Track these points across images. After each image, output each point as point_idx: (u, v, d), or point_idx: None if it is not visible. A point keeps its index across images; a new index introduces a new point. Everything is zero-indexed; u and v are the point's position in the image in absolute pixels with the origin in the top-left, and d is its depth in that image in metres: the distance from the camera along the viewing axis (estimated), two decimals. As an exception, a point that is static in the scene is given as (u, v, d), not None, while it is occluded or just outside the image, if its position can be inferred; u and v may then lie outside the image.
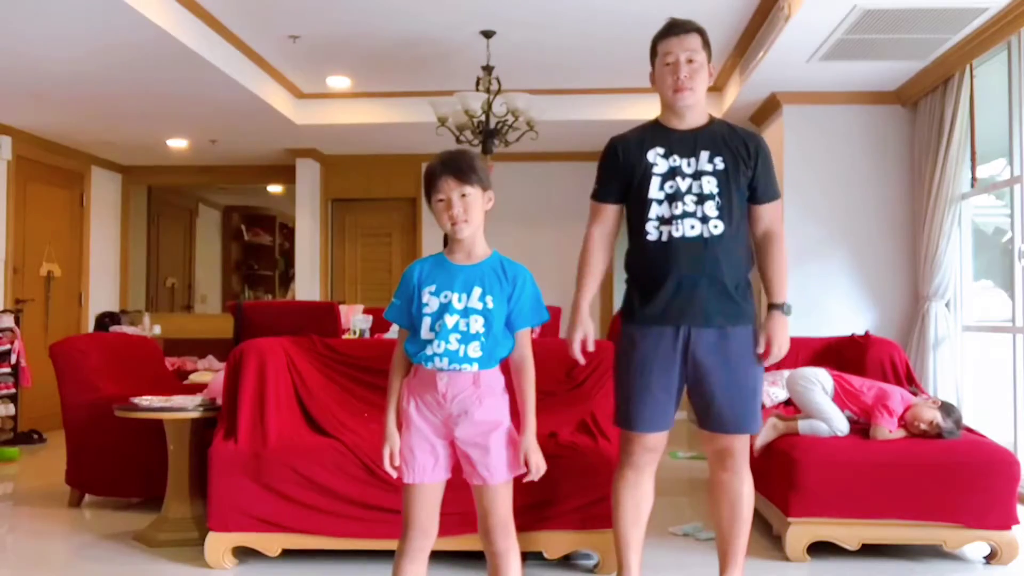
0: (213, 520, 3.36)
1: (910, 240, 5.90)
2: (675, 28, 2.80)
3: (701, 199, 2.66)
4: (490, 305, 2.35)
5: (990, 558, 3.51)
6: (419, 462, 2.37)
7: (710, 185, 2.66)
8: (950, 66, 5.18)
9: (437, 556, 3.35)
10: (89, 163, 8.24)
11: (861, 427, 3.69)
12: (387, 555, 3.38)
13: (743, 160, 2.70)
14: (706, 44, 2.79)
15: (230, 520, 3.34)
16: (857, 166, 6.02)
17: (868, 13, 4.47)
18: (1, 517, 4.45)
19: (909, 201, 5.94)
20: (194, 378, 5.70)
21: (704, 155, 2.68)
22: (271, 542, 3.35)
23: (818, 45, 5.00)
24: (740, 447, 2.80)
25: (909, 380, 4.56)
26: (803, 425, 3.68)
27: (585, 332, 2.76)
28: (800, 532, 3.49)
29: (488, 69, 5.64)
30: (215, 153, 8.25)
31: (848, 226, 6.00)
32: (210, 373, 5.87)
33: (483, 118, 5.60)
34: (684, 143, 2.71)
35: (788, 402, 4.22)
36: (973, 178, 5.28)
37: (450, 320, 2.33)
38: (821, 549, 3.53)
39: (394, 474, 2.38)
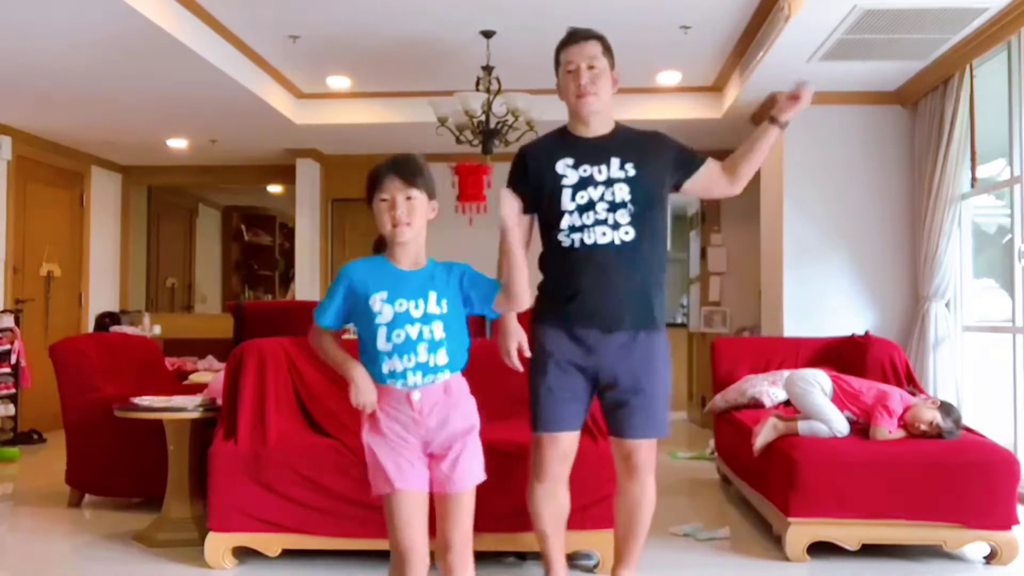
0: (213, 520, 3.36)
1: (910, 240, 5.90)
2: (575, 36, 2.83)
3: (613, 207, 2.70)
4: (446, 309, 2.28)
5: (990, 558, 3.51)
6: (408, 468, 2.25)
7: (622, 192, 2.70)
8: (950, 66, 5.18)
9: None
10: (89, 163, 8.23)
11: (861, 427, 3.68)
12: (387, 555, 3.38)
13: (655, 159, 2.75)
14: (607, 51, 2.82)
15: (230, 520, 3.34)
16: (857, 166, 6.02)
17: (868, 13, 4.47)
18: (1, 517, 4.45)
19: (909, 201, 5.94)
20: (194, 378, 5.70)
21: (615, 162, 2.72)
22: (271, 542, 3.35)
23: (818, 45, 5.00)
24: (646, 454, 2.84)
25: (909, 380, 4.57)
26: (803, 426, 3.68)
27: (519, 339, 2.77)
28: (800, 532, 3.49)
29: (488, 69, 5.64)
30: (215, 153, 8.24)
31: (848, 226, 6.00)
32: (210, 373, 5.87)
33: (483, 118, 5.60)
34: (594, 151, 2.75)
35: (788, 402, 4.21)
36: (973, 178, 5.28)
37: (412, 330, 2.24)
38: (821, 549, 3.53)
39: (369, 411, 2.25)
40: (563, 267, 2.74)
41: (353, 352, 2.33)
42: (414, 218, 2.28)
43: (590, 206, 2.70)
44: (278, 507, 3.32)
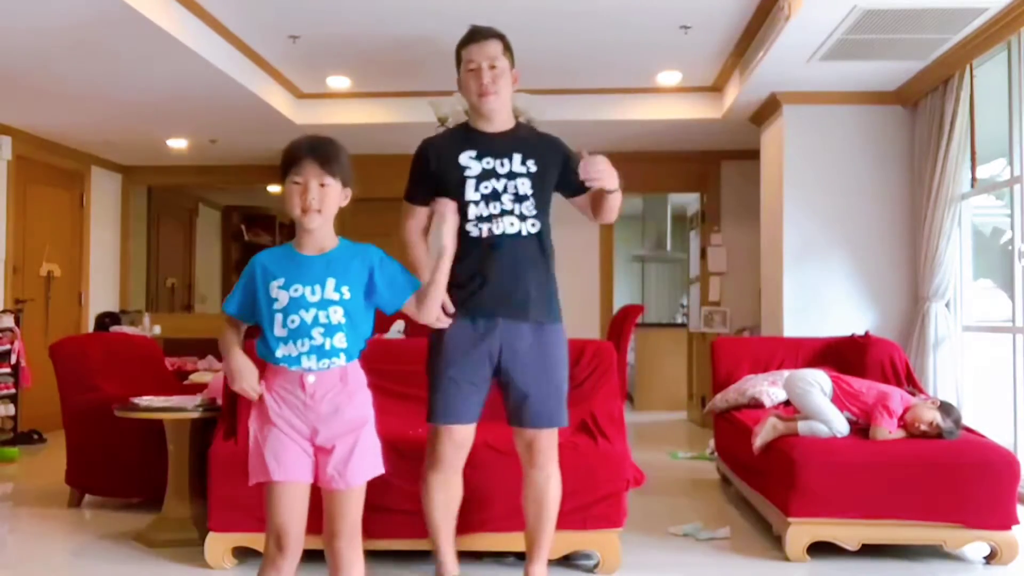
0: (213, 520, 3.36)
1: (910, 240, 5.90)
2: (476, 35, 2.90)
3: (518, 199, 2.79)
4: (347, 296, 2.24)
5: (990, 558, 3.51)
6: (290, 459, 2.22)
7: (524, 186, 2.80)
8: (950, 66, 5.18)
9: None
10: (89, 163, 8.23)
11: (861, 428, 3.69)
12: (387, 555, 3.39)
13: (552, 160, 2.85)
14: (508, 50, 2.90)
15: (230, 520, 3.34)
16: (857, 166, 6.02)
17: (868, 13, 4.47)
18: (1, 517, 4.45)
19: (909, 201, 5.94)
20: (194, 378, 5.70)
21: (517, 157, 2.82)
22: (271, 542, 3.35)
23: (818, 45, 5.00)
24: (548, 442, 2.86)
25: (909, 380, 4.57)
26: (802, 426, 3.68)
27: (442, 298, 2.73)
28: (800, 532, 3.49)
29: (488, 69, 5.64)
30: (215, 153, 8.24)
31: (848, 226, 6.00)
32: (210, 373, 5.88)
33: (483, 118, 5.59)
34: (497, 145, 2.84)
35: (788, 402, 4.21)
36: (973, 178, 5.28)
37: (307, 315, 2.21)
38: (821, 549, 3.53)
39: (253, 395, 2.23)
40: (472, 258, 2.77)
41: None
42: (325, 205, 2.25)
43: (495, 196, 2.80)
44: (278, 507, 3.31)
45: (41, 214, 7.47)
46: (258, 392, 2.25)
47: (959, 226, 5.43)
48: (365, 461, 2.26)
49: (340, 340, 2.24)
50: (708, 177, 8.12)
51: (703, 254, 8.18)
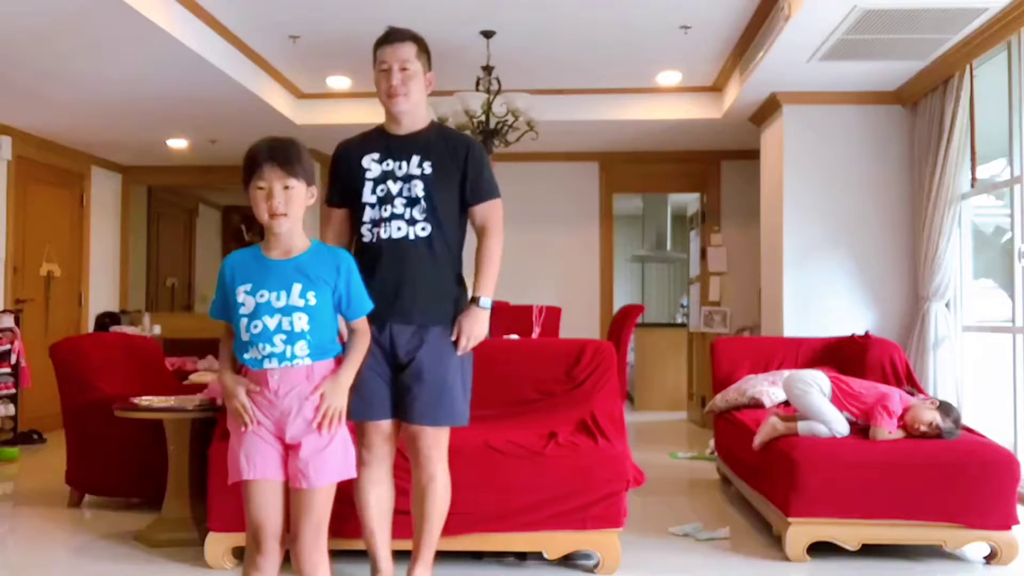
0: (213, 520, 3.36)
1: (910, 240, 5.90)
2: (390, 36, 2.93)
3: (410, 202, 2.80)
4: (312, 302, 2.24)
5: (990, 558, 3.51)
6: (260, 457, 2.23)
7: (417, 189, 2.80)
8: (950, 66, 5.18)
9: (439, 556, 3.35)
10: (89, 163, 8.24)
11: (860, 428, 3.68)
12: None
13: (452, 163, 2.84)
14: (423, 52, 2.93)
15: (230, 520, 3.33)
16: (857, 166, 6.02)
17: (868, 13, 4.47)
18: (1, 517, 4.44)
19: (909, 201, 5.94)
20: (194, 378, 5.70)
21: (415, 159, 2.83)
22: (271, 542, 3.35)
23: (818, 45, 5.00)
24: (431, 440, 2.83)
25: (909, 380, 4.57)
26: (802, 427, 3.68)
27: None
28: (800, 532, 3.49)
29: (488, 69, 5.64)
30: (215, 153, 8.24)
31: (848, 226, 6.00)
32: (210, 373, 5.87)
33: (483, 118, 5.60)
34: (399, 148, 2.85)
35: (787, 402, 4.21)
36: (973, 178, 5.28)
37: (271, 321, 2.22)
38: (821, 549, 3.53)
39: (245, 416, 2.24)
40: (366, 262, 2.79)
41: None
42: (291, 208, 2.26)
43: (387, 199, 2.80)
44: (278, 507, 3.31)
45: (41, 214, 7.47)
46: (249, 411, 2.25)
47: (959, 226, 5.43)
48: (331, 462, 2.25)
49: (301, 348, 2.24)
50: (708, 177, 8.13)
51: (703, 254, 8.18)
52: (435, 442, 2.85)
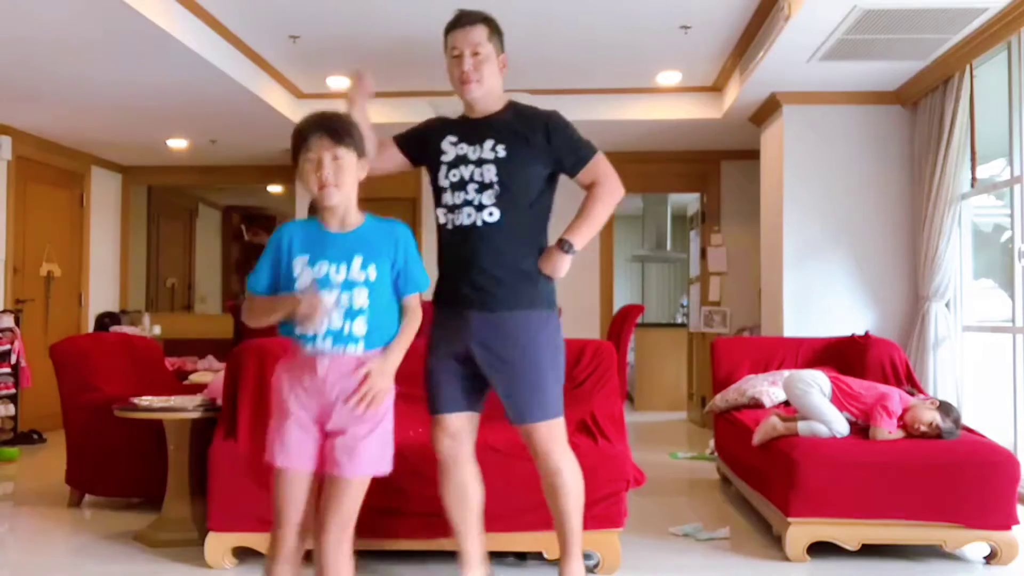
0: (213, 520, 3.36)
1: (910, 240, 5.90)
2: (460, 20, 2.81)
3: (481, 187, 2.72)
4: (372, 276, 2.18)
5: (990, 558, 3.51)
6: (294, 446, 2.18)
7: (489, 173, 2.72)
8: (950, 66, 5.18)
9: (439, 556, 3.35)
10: (89, 163, 8.24)
11: (860, 428, 3.68)
12: (387, 555, 3.39)
13: (532, 142, 2.74)
14: (494, 34, 2.82)
15: (230, 520, 3.34)
16: (857, 166, 6.02)
17: (868, 13, 4.47)
18: (1, 517, 4.44)
19: (909, 201, 5.94)
20: (194, 378, 5.70)
21: (488, 143, 2.74)
22: (271, 542, 3.35)
23: (818, 45, 5.00)
24: (544, 435, 2.75)
25: (909, 380, 4.57)
26: (802, 427, 3.68)
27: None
28: (800, 532, 3.49)
29: (488, 69, 5.64)
30: (215, 153, 8.25)
31: (848, 226, 6.00)
32: (210, 373, 5.88)
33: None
34: (474, 131, 2.79)
35: (787, 402, 4.21)
36: (973, 178, 5.28)
37: (330, 295, 2.15)
38: (821, 549, 3.53)
39: (323, 308, 2.13)
40: (444, 247, 2.77)
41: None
42: (342, 179, 2.18)
43: (461, 185, 2.74)
44: (278, 507, 3.31)
45: (41, 214, 7.48)
46: (327, 308, 2.14)
47: (959, 226, 5.43)
48: (369, 455, 2.20)
49: (360, 326, 2.17)
50: (708, 177, 8.13)
51: (703, 254, 8.18)
52: (549, 435, 2.75)
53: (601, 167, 2.81)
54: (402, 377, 3.68)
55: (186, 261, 10.14)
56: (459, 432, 2.81)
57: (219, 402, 3.66)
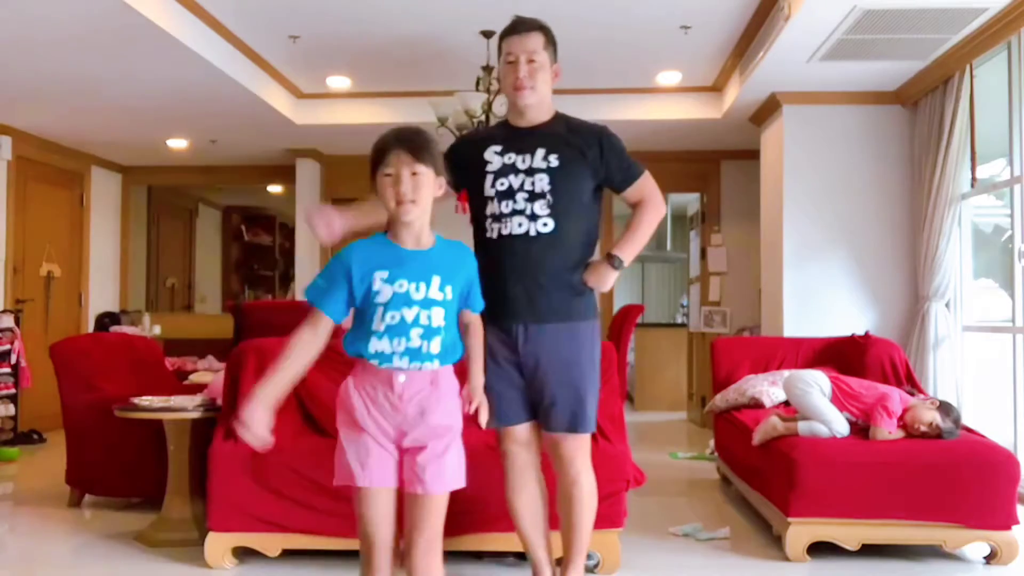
0: (213, 520, 3.36)
1: (910, 240, 5.90)
2: (518, 27, 2.78)
3: (532, 196, 2.69)
4: (449, 296, 2.18)
5: (990, 558, 3.51)
6: (375, 464, 2.16)
7: (541, 183, 2.69)
8: (950, 66, 5.18)
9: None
10: (89, 163, 8.24)
11: (860, 428, 3.68)
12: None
13: (584, 156, 2.73)
14: (550, 43, 2.80)
15: (230, 520, 3.34)
16: (857, 166, 6.02)
17: (868, 13, 4.47)
18: (1, 517, 4.45)
19: (909, 201, 5.94)
20: (194, 378, 5.70)
21: (540, 152, 2.72)
22: (271, 542, 3.35)
23: (818, 45, 5.00)
24: (572, 444, 2.75)
25: (909, 380, 4.57)
26: (803, 427, 3.68)
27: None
28: (800, 532, 3.49)
29: (488, 69, 5.64)
30: (215, 153, 8.25)
31: (848, 226, 6.00)
32: (210, 373, 5.88)
33: (483, 118, 5.60)
34: (523, 140, 2.75)
35: (787, 402, 4.21)
36: (973, 178, 5.28)
37: (408, 313, 2.13)
38: (821, 549, 3.53)
39: (257, 442, 2.12)
40: (490, 259, 2.71)
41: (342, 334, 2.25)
42: (420, 195, 2.16)
43: (509, 194, 2.71)
44: (278, 507, 3.31)
45: (41, 214, 7.48)
46: (264, 444, 2.14)
47: (959, 226, 5.43)
48: (451, 470, 2.19)
49: (436, 345, 2.16)
50: (708, 177, 8.13)
51: (703, 254, 8.18)
52: (577, 446, 2.76)
53: (649, 185, 2.85)
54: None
55: (186, 261, 10.15)
56: (530, 441, 2.81)
57: (219, 402, 3.66)
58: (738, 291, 7.93)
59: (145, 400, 3.83)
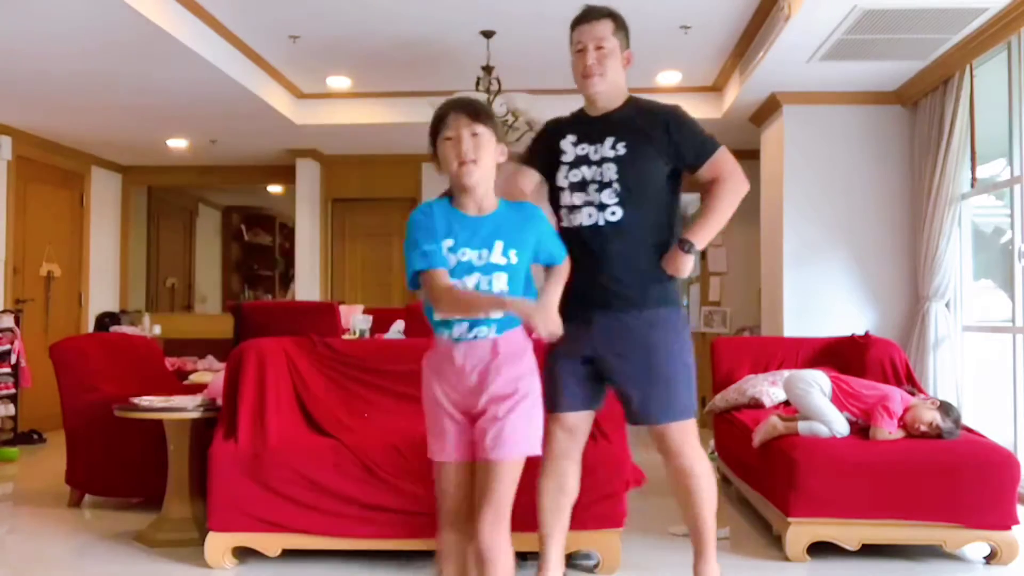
0: (213, 520, 3.36)
1: (910, 240, 5.90)
2: (587, 15, 2.77)
3: (602, 186, 2.68)
4: (514, 260, 2.15)
5: (990, 558, 3.51)
6: (449, 439, 2.18)
7: (609, 172, 2.68)
8: (950, 66, 5.18)
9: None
10: (89, 163, 8.24)
11: (861, 428, 3.68)
12: (387, 555, 3.39)
13: (653, 138, 2.68)
14: (619, 29, 2.76)
15: (230, 520, 3.34)
16: (857, 166, 6.02)
17: (868, 13, 4.47)
18: (1, 517, 4.45)
19: (909, 201, 5.94)
20: (194, 378, 5.70)
21: (609, 141, 2.70)
22: (271, 542, 3.35)
23: (818, 45, 5.00)
24: (675, 435, 2.75)
25: (909, 380, 4.56)
26: (803, 427, 3.68)
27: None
28: (800, 532, 3.49)
29: (488, 69, 5.64)
30: (215, 153, 8.25)
31: (848, 226, 6.00)
32: (210, 373, 5.87)
33: (483, 118, 5.59)
34: (594, 130, 2.74)
35: (788, 402, 4.21)
36: (973, 178, 5.28)
37: (470, 280, 2.13)
38: (821, 549, 3.53)
39: (546, 334, 2.10)
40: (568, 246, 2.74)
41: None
42: (481, 155, 2.14)
43: (582, 185, 2.70)
44: (278, 507, 3.31)
45: (41, 214, 7.48)
46: (555, 331, 2.12)
47: (959, 226, 5.43)
48: (514, 436, 2.14)
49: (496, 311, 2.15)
50: (708, 177, 8.12)
51: (703, 254, 8.18)
52: (680, 436, 2.74)
53: (724, 162, 2.71)
54: (403, 377, 3.69)
55: (186, 261, 10.15)
56: (576, 429, 2.80)
57: (219, 402, 3.66)
58: (738, 291, 7.93)
59: (145, 400, 3.83)
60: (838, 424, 3.63)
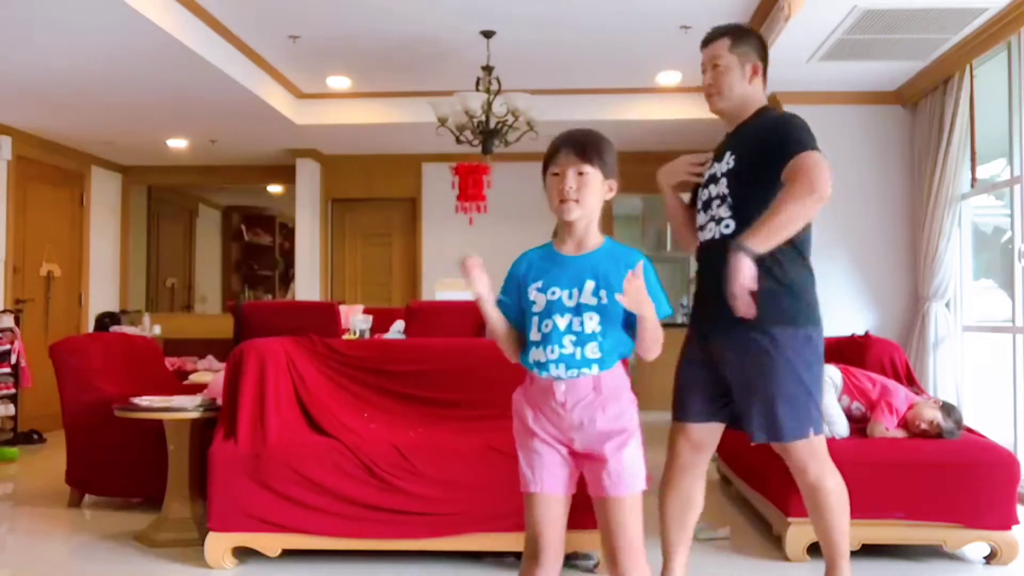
0: (213, 520, 3.36)
1: (910, 240, 5.90)
2: (705, 39, 2.82)
3: (722, 200, 2.68)
4: (605, 300, 2.12)
5: (990, 558, 3.51)
6: (547, 470, 2.15)
7: (722, 186, 2.67)
8: (950, 66, 5.18)
9: (439, 556, 3.35)
10: (89, 163, 8.24)
11: (860, 428, 3.69)
12: (387, 555, 3.39)
13: (761, 148, 2.62)
14: (737, 43, 2.76)
15: (230, 520, 3.34)
16: (857, 166, 6.02)
17: (868, 13, 4.47)
18: (1, 517, 4.44)
19: (909, 201, 5.94)
20: (194, 378, 5.70)
21: (727, 156, 2.70)
22: (271, 542, 3.35)
23: (818, 45, 5.00)
24: (799, 453, 2.68)
25: (909, 380, 4.56)
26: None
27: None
28: (800, 532, 3.49)
29: (488, 69, 5.65)
30: (215, 153, 8.25)
31: (848, 226, 6.00)
32: (210, 373, 5.87)
33: (483, 118, 5.60)
34: (722, 147, 2.78)
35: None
36: (973, 178, 5.28)
37: (561, 321, 2.10)
38: (821, 549, 3.52)
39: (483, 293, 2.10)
40: (698, 265, 2.80)
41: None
42: (584, 195, 2.12)
43: (708, 203, 2.73)
44: (278, 507, 3.31)
45: (41, 214, 7.48)
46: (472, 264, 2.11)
47: (959, 226, 5.43)
48: (630, 469, 2.13)
49: (592, 350, 2.12)
50: (708, 177, 8.12)
51: (703, 254, 8.16)
52: (804, 453, 2.66)
53: (800, 164, 2.51)
54: (403, 377, 3.69)
55: (186, 261, 10.15)
56: (703, 442, 2.78)
57: (219, 402, 3.66)
58: (738, 291, 7.92)
59: (145, 400, 3.83)
60: (839, 426, 3.63)
